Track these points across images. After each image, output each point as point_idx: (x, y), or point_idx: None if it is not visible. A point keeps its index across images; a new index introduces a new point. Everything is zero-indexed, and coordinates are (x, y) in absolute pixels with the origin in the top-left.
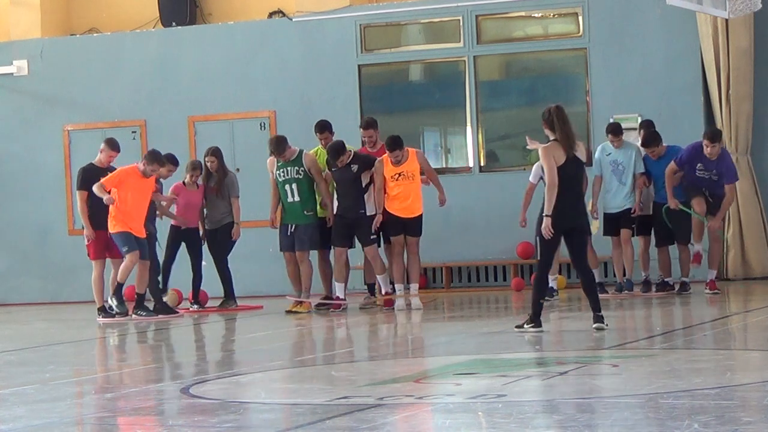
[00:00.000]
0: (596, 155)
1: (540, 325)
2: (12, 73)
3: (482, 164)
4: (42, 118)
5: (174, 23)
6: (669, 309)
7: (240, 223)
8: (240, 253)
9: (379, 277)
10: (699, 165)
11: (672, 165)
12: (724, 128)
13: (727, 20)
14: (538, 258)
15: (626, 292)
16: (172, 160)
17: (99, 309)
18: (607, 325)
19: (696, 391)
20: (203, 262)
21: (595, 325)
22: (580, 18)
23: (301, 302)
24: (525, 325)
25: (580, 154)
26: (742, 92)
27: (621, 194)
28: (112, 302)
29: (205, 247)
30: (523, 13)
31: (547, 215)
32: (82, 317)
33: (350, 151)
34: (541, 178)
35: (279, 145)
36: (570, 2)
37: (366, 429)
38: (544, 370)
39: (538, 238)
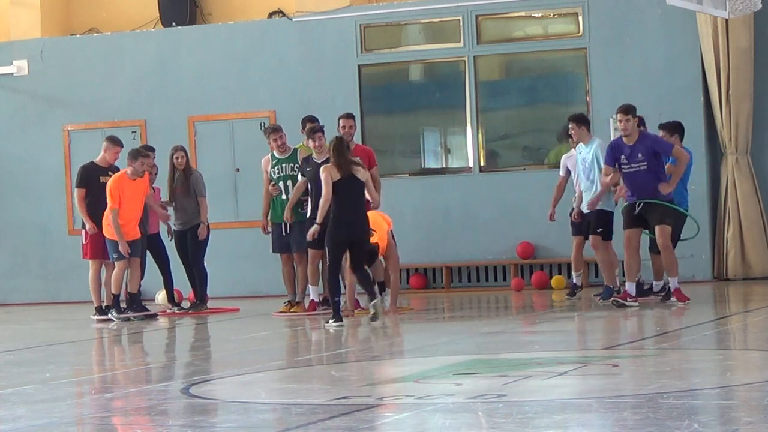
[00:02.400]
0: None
1: (341, 320)
2: (12, 73)
3: (482, 164)
4: (42, 118)
5: (174, 23)
6: (668, 310)
7: (207, 223)
8: (240, 253)
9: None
10: (622, 157)
11: (603, 168)
12: (724, 128)
13: (727, 20)
14: (329, 262)
15: (602, 299)
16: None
17: (96, 308)
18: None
19: (696, 391)
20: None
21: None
22: (580, 18)
23: (297, 303)
24: (330, 321)
25: (360, 175)
26: (742, 92)
27: (592, 194)
28: (113, 315)
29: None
30: (523, 13)
31: (318, 223)
32: (82, 317)
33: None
34: (568, 171)
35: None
36: (570, 2)
37: (366, 429)
38: (544, 370)
39: (326, 246)
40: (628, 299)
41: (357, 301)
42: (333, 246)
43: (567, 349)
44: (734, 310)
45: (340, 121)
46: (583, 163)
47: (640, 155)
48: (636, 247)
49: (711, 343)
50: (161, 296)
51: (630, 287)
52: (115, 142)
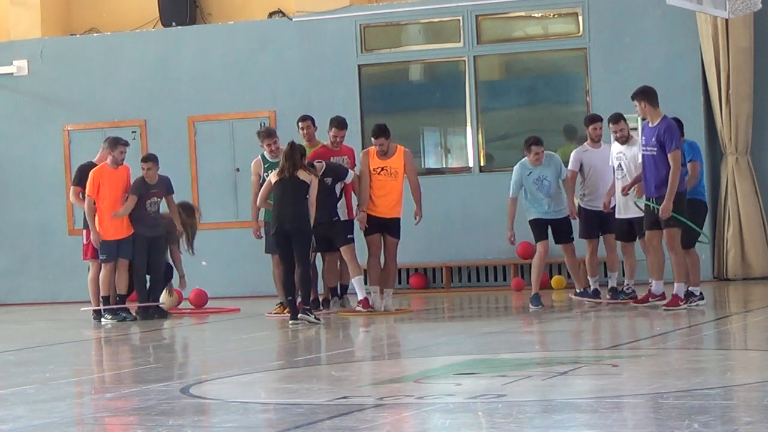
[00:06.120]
0: (514, 177)
1: (295, 318)
2: (12, 73)
3: (482, 164)
4: (42, 118)
5: (174, 23)
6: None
7: None
8: (240, 253)
9: (354, 280)
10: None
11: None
12: (724, 128)
13: (727, 20)
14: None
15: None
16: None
17: (95, 310)
18: (317, 318)
19: (696, 391)
20: (203, 262)
21: (299, 315)
22: (580, 18)
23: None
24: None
25: (303, 176)
26: (742, 92)
27: (555, 205)
28: (107, 318)
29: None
30: (523, 13)
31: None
32: (81, 317)
33: (322, 163)
34: (581, 166)
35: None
36: (570, 2)
37: (366, 429)
38: (544, 370)
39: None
40: (650, 299)
41: (366, 299)
42: (273, 241)
43: (567, 349)
44: (734, 310)
45: (333, 130)
46: (538, 182)
47: (654, 139)
48: (657, 246)
49: (711, 343)
50: (163, 296)
51: (657, 286)
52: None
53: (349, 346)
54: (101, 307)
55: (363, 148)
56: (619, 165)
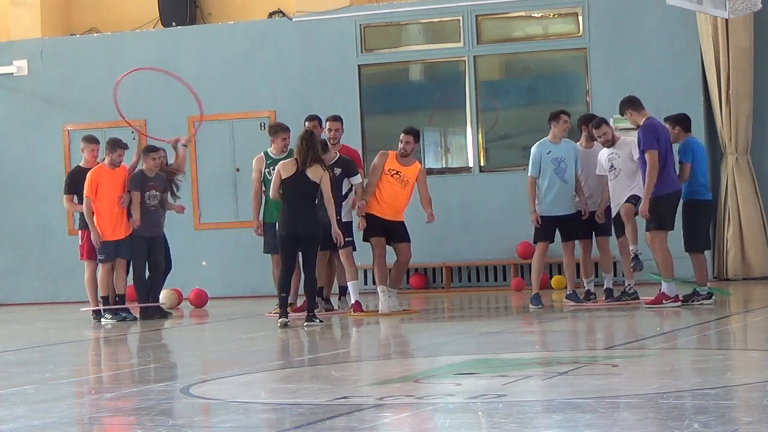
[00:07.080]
0: (533, 156)
1: (285, 316)
2: (12, 73)
3: (482, 164)
4: (42, 118)
5: (174, 23)
6: (668, 310)
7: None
8: (240, 253)
9: (350, 284)
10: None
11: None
12: (724, 128)
13: (727, 20)
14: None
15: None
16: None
17: (94, 310)
18: (321, 321)
19: (696, 391)
20: (203, 262)
21: (305, 324)
22: (580, 18)
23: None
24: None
25: (313, 175)
26: (742, 92)
27: (566, 195)
28: (107, 318)
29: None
30: (523, 13)
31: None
32: (81, 317)
33: (336, 153)
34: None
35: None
36: (570, 2)
37: (366, 429)
38: (544, 370)
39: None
40: (664, 301)
41: (358, 302)
42: (279, 243)
43: (567, 349)
44: (734, 310)
45: (327, 123)
46: (555, 162)
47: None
48: (659, 246)
49: (711, 343)
50: (163, 295)
51: (669, 287)
52: (90, 140)
53: (349, 346)
54: (101, 307)
55: (363, 149)
56: (612, 165)
